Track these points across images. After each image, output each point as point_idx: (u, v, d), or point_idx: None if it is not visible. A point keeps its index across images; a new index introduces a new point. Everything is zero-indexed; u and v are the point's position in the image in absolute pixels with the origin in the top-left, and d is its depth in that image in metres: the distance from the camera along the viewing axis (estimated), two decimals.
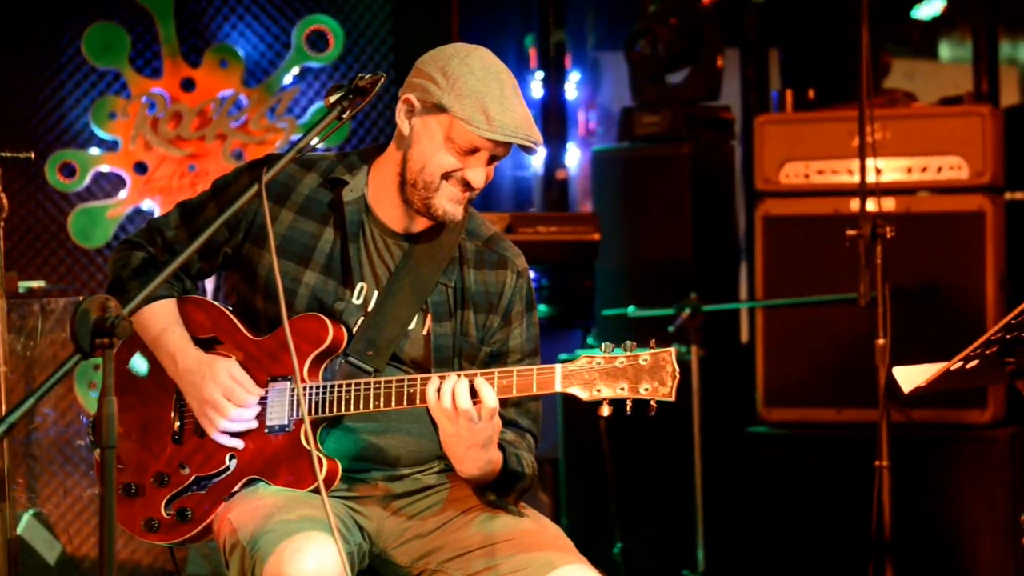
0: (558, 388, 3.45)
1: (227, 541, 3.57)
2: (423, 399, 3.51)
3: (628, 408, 3.42)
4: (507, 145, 3.60)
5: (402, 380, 3.55)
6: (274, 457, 3.67)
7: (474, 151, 3.60)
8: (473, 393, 3.46)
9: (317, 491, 3.55)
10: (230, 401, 3.66)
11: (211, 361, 3.71)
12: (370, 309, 3.71)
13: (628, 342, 3.44)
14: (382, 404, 3.56)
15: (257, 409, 3.68)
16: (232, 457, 3.70)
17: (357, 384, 3.59)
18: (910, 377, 3.86)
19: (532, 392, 3.48)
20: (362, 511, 3.74)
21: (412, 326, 3.71)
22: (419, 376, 3.56)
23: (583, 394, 3.43)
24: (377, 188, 3.74)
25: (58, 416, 6.53)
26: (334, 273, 3.72)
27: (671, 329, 5.98)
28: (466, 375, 3.49)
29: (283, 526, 3.47)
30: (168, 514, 3.74)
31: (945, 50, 8.31)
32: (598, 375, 3.43)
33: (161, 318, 3.78)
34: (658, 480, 6.44)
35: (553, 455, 6.55)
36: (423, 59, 3.67)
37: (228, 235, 3.76)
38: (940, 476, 5.98)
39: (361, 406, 3.59)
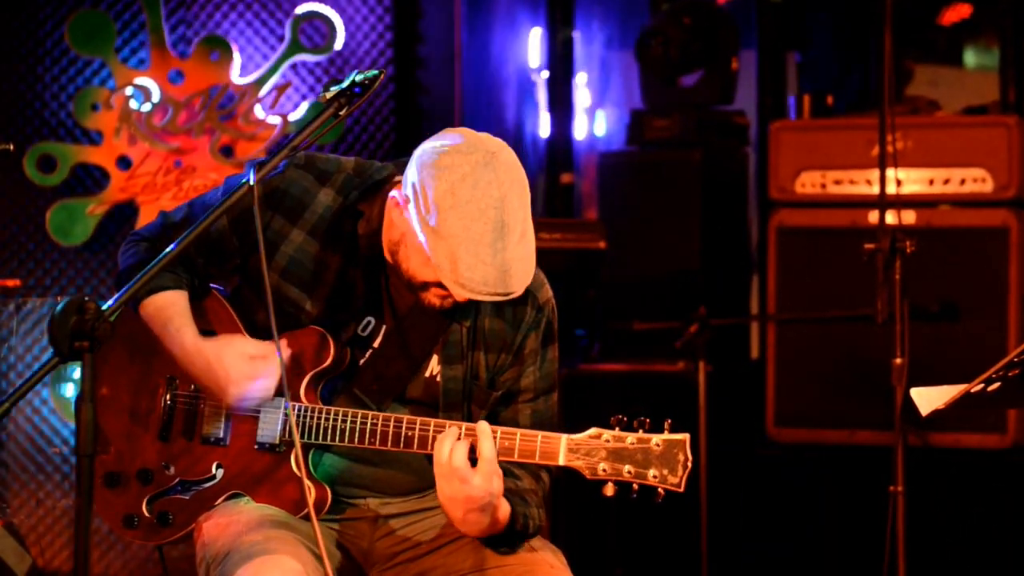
0: (561, 461, 3.38)
1: (198, 554, 3.57)
2: (420, 445, 3.44)
3: (633, 493, 3.37)
4: None
5: (401, 420, 3.47)
6: (261, 475, 3.60)
7: None
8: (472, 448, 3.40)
9: (305, 518, 3.50)
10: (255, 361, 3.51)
11: (223, 340, 3.57)
12: (377, 344, 3.60)
13: (641, 418, 3.38)
14: (377, 442, 3.48)
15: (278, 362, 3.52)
16: (219, 466, 3.62)
17: (355, 415, 3.50)
18: (928, 399, 3.76)
19: (535, 460, 3.40)
20: (351, 531, 3.66)
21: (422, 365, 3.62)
22: (418, 419, 3.47)
23: (587, 471, 3.38)
24: None
25: (32, 422, 6.52)
26: (340, 305, 3.61)
27: (678, 344, 5.94)
28: (467, 429, 3.39)
29: (251, 547, 3.42)
30: (149, 513, 3.67)
31: (970, 57, 8.30)
32: (605, 452, 3.37)
33: (167, 310, 3.63)
34: (660, 502, 6.28)
35: None
36: (421, 155, 3.42)
37: (238, 244, 3.63)
38: (956, 502, 5.96)
39: (356, 440, 3.50)
